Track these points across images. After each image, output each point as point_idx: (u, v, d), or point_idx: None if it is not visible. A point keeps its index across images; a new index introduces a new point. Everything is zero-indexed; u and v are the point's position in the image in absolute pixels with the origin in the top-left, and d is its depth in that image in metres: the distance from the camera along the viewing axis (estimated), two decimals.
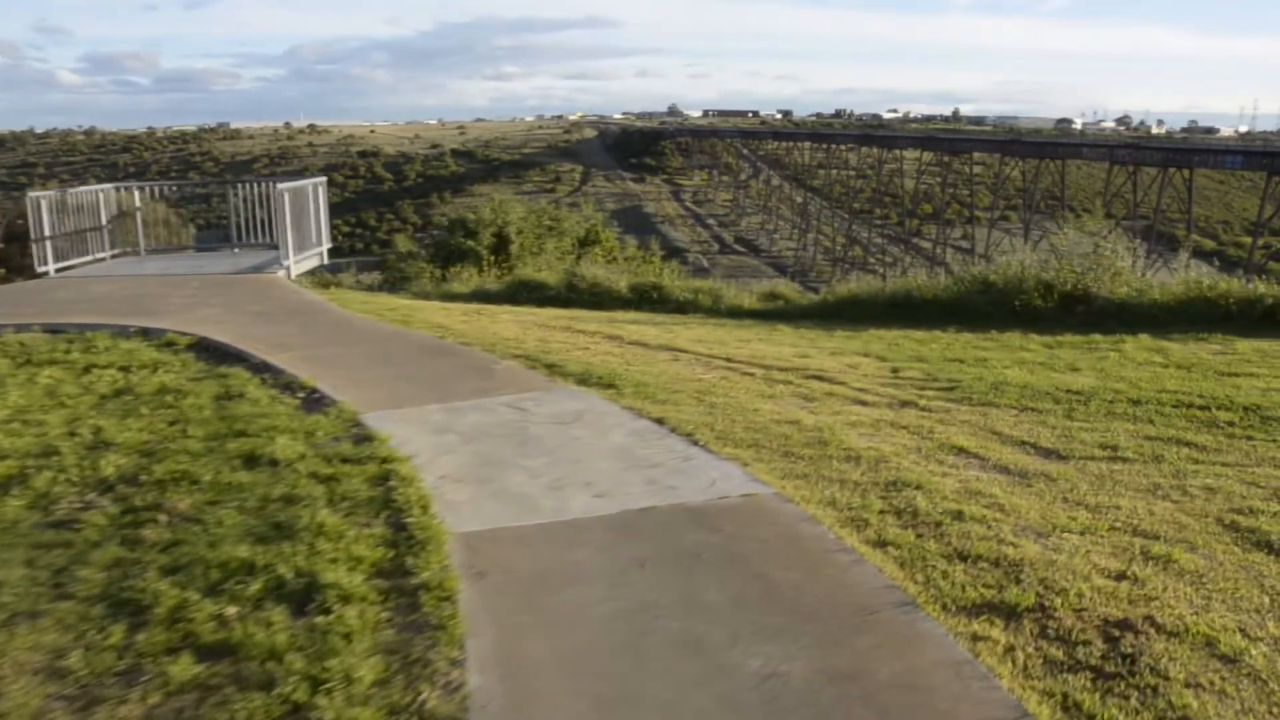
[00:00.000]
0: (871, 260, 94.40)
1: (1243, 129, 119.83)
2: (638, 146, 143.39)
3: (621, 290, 14.54)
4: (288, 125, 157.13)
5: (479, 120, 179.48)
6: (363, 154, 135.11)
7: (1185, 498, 5.70)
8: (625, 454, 6.35)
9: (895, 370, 9.31)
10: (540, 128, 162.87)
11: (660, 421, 7.06)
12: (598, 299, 14.58)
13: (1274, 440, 6.83)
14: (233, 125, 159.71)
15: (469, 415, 7.40)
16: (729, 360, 9.72)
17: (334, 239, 17.24)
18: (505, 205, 21.51)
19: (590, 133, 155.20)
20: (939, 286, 12.88)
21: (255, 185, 17.00)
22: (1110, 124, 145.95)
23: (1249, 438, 6.95)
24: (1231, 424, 7.30)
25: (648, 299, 14.33)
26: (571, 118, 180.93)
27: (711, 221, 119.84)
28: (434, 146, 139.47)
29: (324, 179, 17.34)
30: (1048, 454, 6.54)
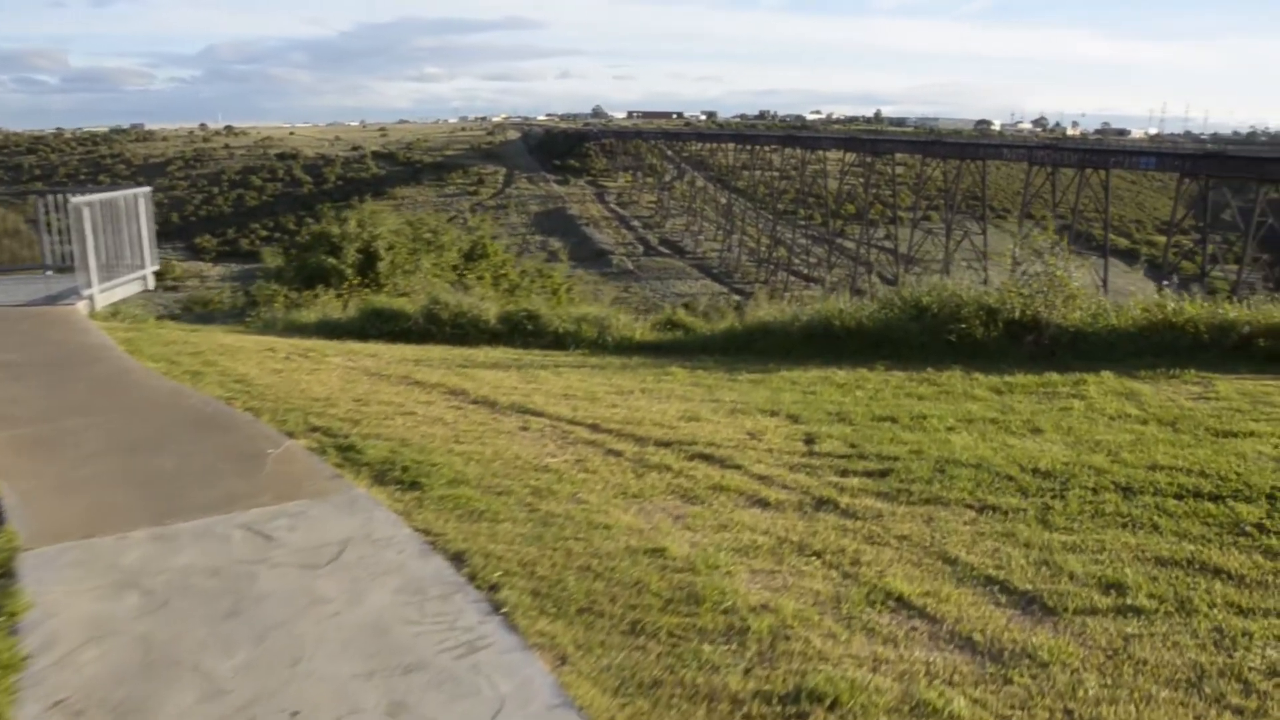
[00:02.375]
0: (796, 261, 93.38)
1: (1152, 131, 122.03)
2: (562, 148, 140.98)
3: (489, 321, 12.19)
4: (204, 127, 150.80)
5: (402, 122, 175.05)
6: (281, 156, 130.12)
7: (1251, 695, 3.60)
8: (379, 639, 4.03)
9: (810, 439, 7.14)
10: (463, 129, 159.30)
11: (459, 560, 4.77)
12: (461, 332, 12.21)
13: None
14: (147, 127, 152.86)
15: (183, 551, 5.01)
16: (595, 428, 7.45)
17: (251, 243, 14.50)
18: (375, 216, 18.90)
19: (514, 134, 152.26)
20: (863, 313, 10.84)
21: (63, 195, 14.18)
22: (1028, 125, 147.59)
23: None
24: (1262, 527, 5.28)
25: (521, 331, 12.02)
26: (495, 119, 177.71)
27: (636, 223, 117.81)
28: (355, 149, 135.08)
29: (148, 190, 14.66)
30: (1027, 604, 4.40)
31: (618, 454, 6.78)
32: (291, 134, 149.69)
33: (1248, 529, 5.28)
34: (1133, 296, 10.75)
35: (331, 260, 17.17)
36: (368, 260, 17.43)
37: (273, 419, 7.55)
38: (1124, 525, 5.32)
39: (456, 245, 19.50)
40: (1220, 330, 9.93)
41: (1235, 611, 4.33)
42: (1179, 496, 5.75)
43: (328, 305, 14.98)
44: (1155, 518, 5.42)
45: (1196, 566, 4.78)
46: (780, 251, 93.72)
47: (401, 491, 5.85)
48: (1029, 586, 4.53)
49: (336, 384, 9.04)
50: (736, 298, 70.44)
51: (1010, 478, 6.06)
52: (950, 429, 7.35)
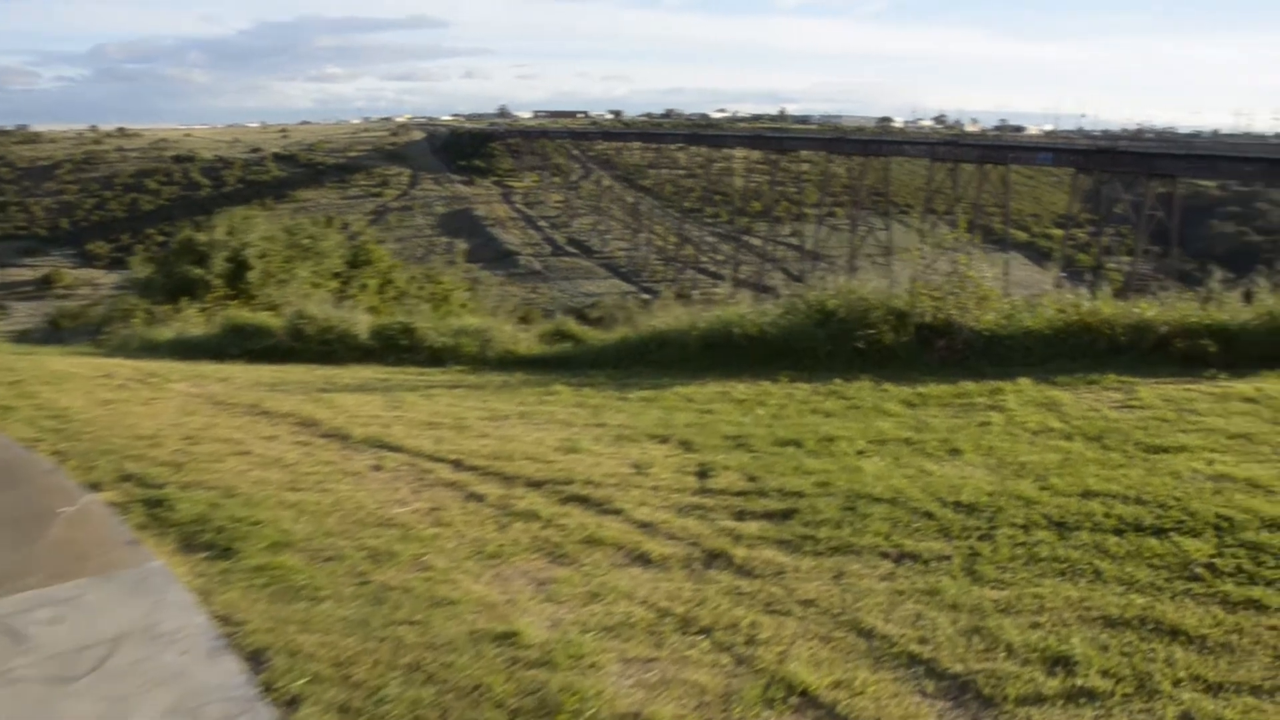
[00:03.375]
0: (704, 259, 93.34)
1: (1047, 127, 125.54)
2: (467, 148, 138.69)
3: (361, 337, 11.04)
4: (94, 128, 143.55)
5: (303, 123, 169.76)
6: (178, 159, 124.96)
7: None
8: None
9: (704, 471, 6.26)
10: (367, 130, 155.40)
11: (258, 659, 3.76)
12: (329, 349, 11.05)
13: None
14: (32, 128, 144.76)
15: None
16: (458, 464, 6.46)
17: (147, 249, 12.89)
18: (246, 222, 17.44)
19: (418, 135, 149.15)
20: (765, 319, 10.05)
21: None
22: (928, 122, 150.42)
23: (1254, 604, 4.22)
24: (1214, 568, 4.59)
25: (395, 347, 10.92)
26: (399, 120, 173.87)
27: (543, 223, 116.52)
28: (255, 150, 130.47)
29: None
30: (960, 692, 3.58)
31: (479, 499, 5.80)
32: (188, 135, 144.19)
33: (1199, 571, 4.58)
34: (1045, 297, 10.21)
35: (198, 270, 15.71)
36: (238, 270, 16.01)
37: (80, 465, 6.37)
38: (1062, 573, 4.56)
39: (338, 251, 18.15)
40: (1137, 331, 9.41)
41: (1203, 688, 3.58)
42: (1118, 531, 5.03)
43: (189, 321, 13.59)
44: (1096, 560, 4.68)
45: (1150, 627, 4.03)
46: (688, 250, 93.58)
47: (210, 561, 4.78)
48: (960, 667, 3.71)
49: (170, 417, 7.84)
50: (646, 296, 69.86)
51: (930, 515, 5.27)
52: (861, 453, 6.55)
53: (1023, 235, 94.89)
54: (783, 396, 8.46)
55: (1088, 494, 5.58)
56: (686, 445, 6.89)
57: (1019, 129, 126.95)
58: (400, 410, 8.16)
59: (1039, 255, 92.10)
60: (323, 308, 11.36)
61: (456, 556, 4.84)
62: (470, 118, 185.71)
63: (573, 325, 11.42)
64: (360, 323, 11.15)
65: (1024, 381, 8.53)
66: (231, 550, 4.86)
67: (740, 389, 8.80)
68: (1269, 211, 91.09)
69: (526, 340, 11.06)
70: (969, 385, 8.45)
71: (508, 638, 3.91)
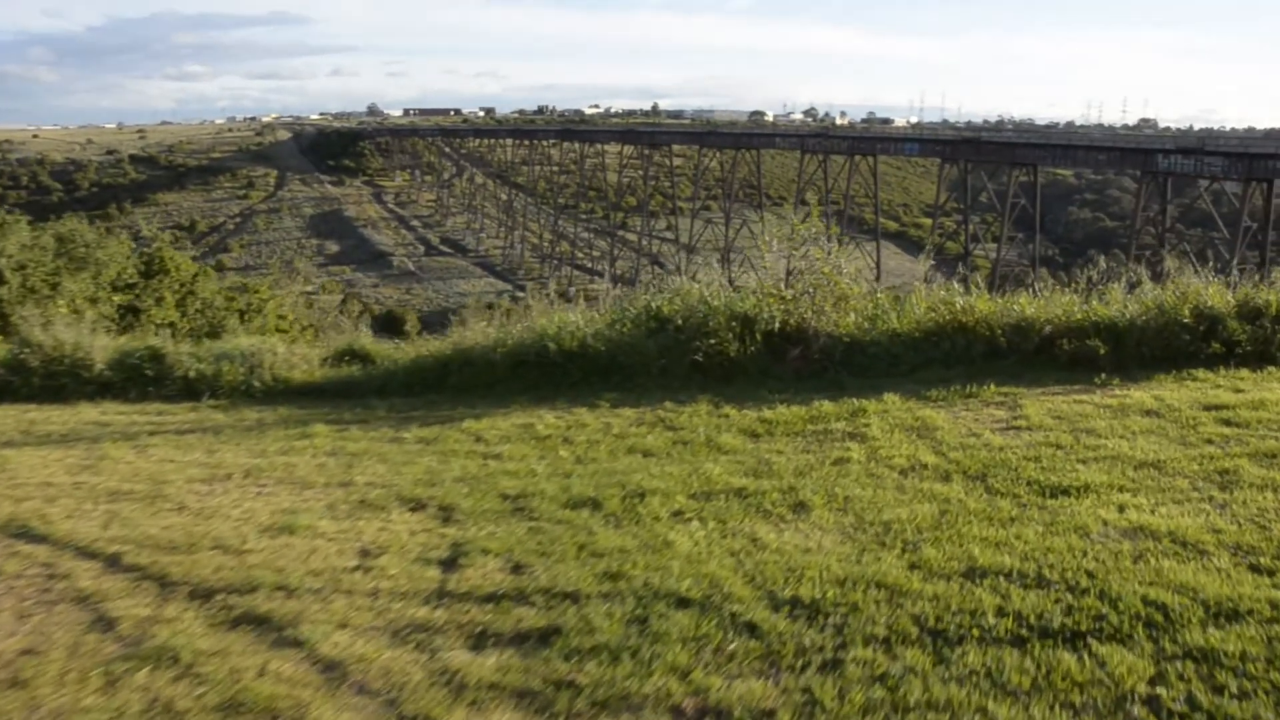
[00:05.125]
0: (580, 255, 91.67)
1: (913, 119, 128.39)
2: (336, 148, 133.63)
3: (96, 366, 8.83)
4: None
5: (164, 123, 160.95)
6: (24, 161, 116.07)
7: None
8: None
9: (455, 557, 4.47)
10: (230, 131, 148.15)
11: None
12: (56, 384, 8.79)
13: None
14: None
15: None
16: (114, 562, 4.52)
17: None
18: (3, 229, 14.74)
19: (285, 135, 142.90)
20: (590, 328, 8.32)
21: None
22: (799, 115, 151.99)
23: None
24: (1156, 703, 3.08)
25: (140, 378, 8.75)
26: (265, 119, 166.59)
27: (416, 223, 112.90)
28: (110, 152, 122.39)
29: None
30: None
31: (108, 626, 3.88)
32: (35, 137, 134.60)
33: (1138, 714, 3.04)
34: (914, 294, 8.80)
35: None
36: None
37: None
38: None
39: (123, 261, 15.53)
40: (1019, 332, 8.05)
41: None
42: (1018, 642, 3.48)
43: None
44: (991, 705, 3.09)
45: None
46: (563, 246, 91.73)
47: None
48: None
49: None
50: (520, 294, 67.61)
51: (753, 628, 3.61)
52: (677, 515, 4.88)
53: (894, 225, 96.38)
54: (598, 429, 6.73)
55: (973, 573, 4.03)
56: (447, 513, 5.09)
57: (887, 121, 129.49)
58: (89, 473, 6.10)
59: (910, 244, 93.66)
60: (53, 331, 9.09)
61: None
62: (339, 116, 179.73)
63: (366, 342, 9.46)
64: (95, 349, 8.92)
65: (891, 398, 7.03)
66: None
67: (548, 420, 7.04)
68: (1121, 198, 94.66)
69: (307, 363, 9.07)
70: (825, 405, 6.89)
71: None
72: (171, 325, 15.58)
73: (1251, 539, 4.38)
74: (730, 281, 8.95)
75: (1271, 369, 7.81)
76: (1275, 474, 5.28)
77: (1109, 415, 6.50)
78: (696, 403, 7.24)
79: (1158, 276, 9.00)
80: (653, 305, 8.43)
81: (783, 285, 8.39)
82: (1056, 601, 3.75)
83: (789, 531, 4.61)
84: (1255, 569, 4.07)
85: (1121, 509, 4.80)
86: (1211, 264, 8.99)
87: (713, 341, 7.94)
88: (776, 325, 7.97)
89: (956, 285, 8.62)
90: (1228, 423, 6.25)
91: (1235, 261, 32.75)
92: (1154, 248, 41.70)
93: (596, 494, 5.21)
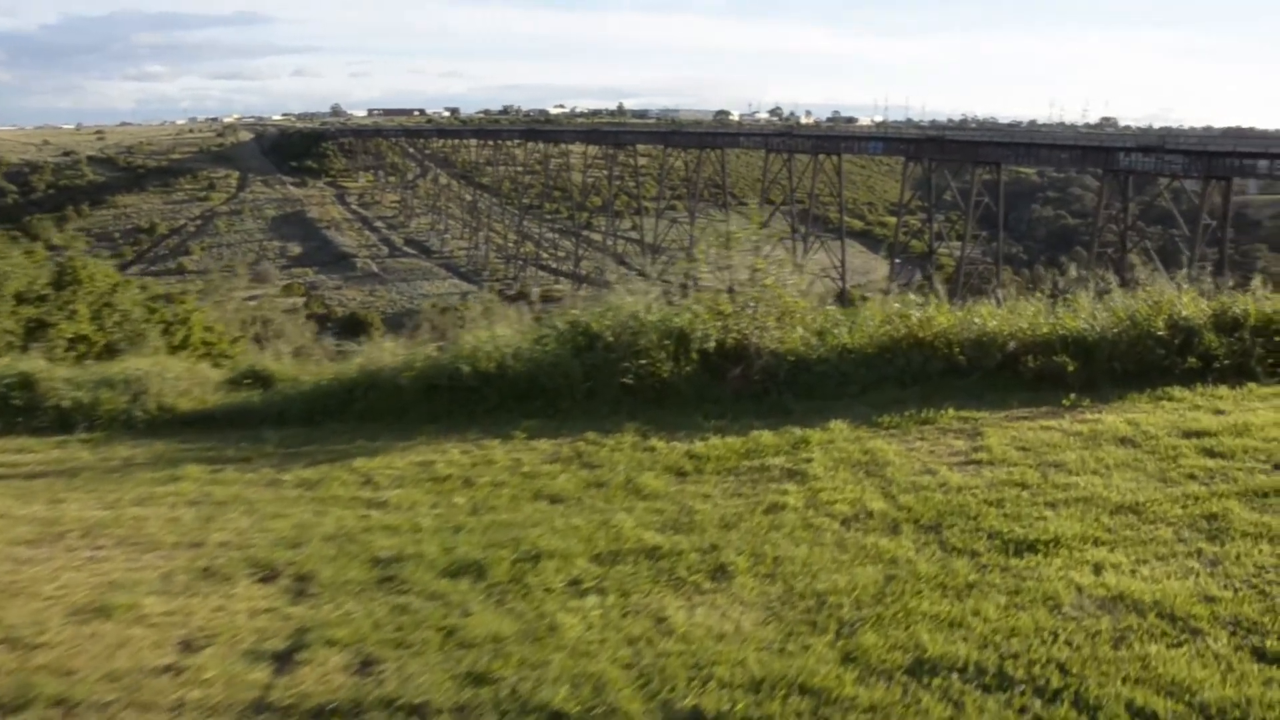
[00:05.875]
0: (545, 256, 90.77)
1: (878, 119, 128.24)
2: (298, 149, 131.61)
3: None
4: None
5: (123, 124, 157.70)
6: None
7: None
8: None
9: (293, 649, 3.64)
10: (191, 131, 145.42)
11: None
12: None
13: None
14: None
15: None
16: None
17: None
18: None
19: (246, 136, 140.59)
20: (511, 347, 7.50)
21: None
22: (764, 115, 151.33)
23: None
24: None
25: (6, 407, 7.81)
26: (227, 120, 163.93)
27: (380, 224, 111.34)
28: (68, 153, 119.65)
29: None
30: None
31: None
32: None
33: None
34: (870, 304, 8.05)
35: None
36: None
37: None
38: None
39: (27, 273, 14.41)
40: (980, 347, 7.32)
41: None
42: None
43: None
44: None
45: None
46: (528, 247, 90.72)
47: None
48: None
49: None
50: (489, 295, 66.46)
51: None
52: (573, 586, 4.09)
53: (859, 224, 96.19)
54: (505, 467, 5.92)
55: (921, 668, 3.28)
56: (302, 585, 4.26)
57: (852, 120, 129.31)
58: None
59: (875, 242, 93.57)
60: None
61: None
62: (302, 117, 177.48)
63: (270, 363, 8.58)
64: None
65: (838, 426, 6.27)
66: None
67: (452, 455, 6.22)
68: (1083, 196, 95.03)
69: (202, 387, 8.18)
70: (764, 436, 6.12)
71: None
72: (84, 340, 14.58)
73: (1252, 611, 3.67)
74: (695, 283, 8.14)
75: (1252, 385, 7.14)
76: (1269, 518, 4.58)
77: (1079, 445, 5.78)
78: (622, 432, 6.45)
79: (1121, 273, 8.35)
80: (580, 321, 7.62)
81: (723, 297, 7.60)
82: (1022, 712, 3.00)
83: (703, 608, 3.83)
84: (1260, 655, 3.36)
85: (1097, 569, 4.07)
86: (1186, 271, 8.31)
87: (644, 361, 7.15)
88: (712, 343, 7.18)
89: (913, 296, 7.89)
90: (1211, 453, 5.56)
91: (1195, 258, 32.63)
92: (1116, 245, 41.69)
93: (484, 557, 4.40)
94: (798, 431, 6.17)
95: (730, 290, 7.66)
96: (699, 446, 6.01)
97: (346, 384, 7.61)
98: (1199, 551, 4.25)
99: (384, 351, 7.93)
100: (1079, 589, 3.89)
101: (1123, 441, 5.83)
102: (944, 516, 4.70)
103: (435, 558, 4.45)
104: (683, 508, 5.01)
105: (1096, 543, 4.34)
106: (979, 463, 5.55)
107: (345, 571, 4.36)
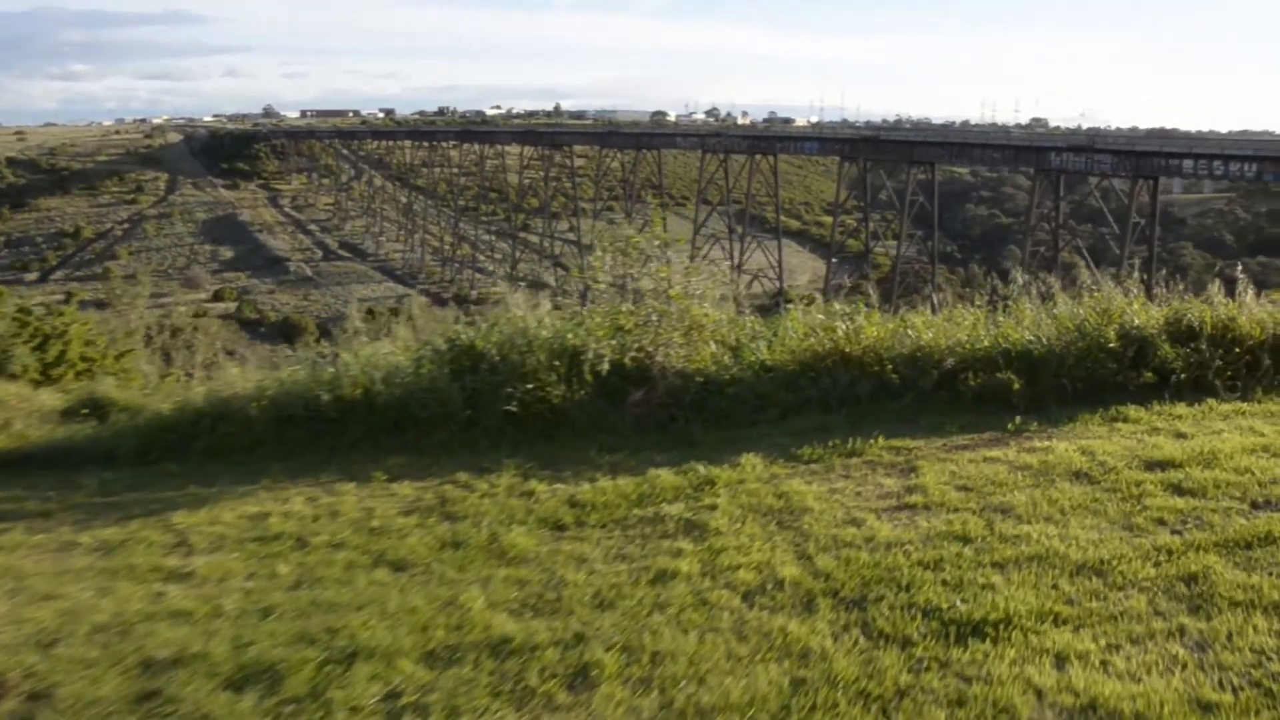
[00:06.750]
0: (481, 258, 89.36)
1: (814, 119, 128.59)
2: (230, 151, 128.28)
3: None
4: None
5: (48, 125, 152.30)
6: None
7: None
8: None
9: None
10: (118, 133, 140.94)
11: None
12: None
13: None
14: None
15: None
16: None
17: None
18: None
19: (175, 137, 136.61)
20: (382, 369, 6.47)
21: None
22: (701, 115, 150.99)
23: None
24: None
25: None
26: (156, 121, 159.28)
27: (314, 227, 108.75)
28: None
29: None
30: None
31: None
32: None
33: None
34: (791, 314, 7.17)
35: None
36: None
37: None
38: None
39: None
40: (914, 364, 6.47)
41: None
42: None
43: None
44: None
45: None
46: (464, 249, 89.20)
47: None
48: None
49: None
50: (424, 299, 64.86)
51: None
52: (387, 703, 3.10)
53: (795, 224, 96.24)
54: (352, 521, 4.89)
55: None
56: (30, 709, 3.21)
57: (788, 120, 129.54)
58: None
59: (812, 242, 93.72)
60: None
61: None
62: (233, 118, 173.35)
63: (110, 387, 7.46)
64: None
65: (750, 461, 5.37)
66: None
67: (294, 506, 5.18)
68: (1016, 195, 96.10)
69: (28, 419, 7.02)
70: (663, 477, 5.18)
71: None
72: None
73: None
74: (588, 295, 7.18)
75: (1211, 402, 6.42)
76: (1258, 579, 3.78)
77: (1029, 481, 4.95)
78: (500, 471, 5.47)
79: (1051, 269, 7.59)
80: (461, 338, 6.61)
81: (624, 310, 6.65)
82: None
83: None
84: None
85: (1060, 662, 3.21)
86: (1138, 276, 7.58)
87: (531, 385, 6.16)
88: (606, 364, 6.22)
89: (838, 305, 7.02)
90: (1179, 490, 4.77)
91: (1125, 255, 32.64)
92: (1049, 244, 41.76)
93: (284, 658, 3.39)
94: (702, 469, 5.25)
95: (633, 302, 6.71)
96: (584, 491, 5.05)
97: (190, 415, 6.51)
98: (1181, 630, 3.42)
99: (235, 376, 6.82)
100: (1039, 695, 3.02)
101: (1078, 476, 5.01)
102: (870, 586, 3.81)
103: (222, 659, 3.43)
104: (551, 578, 4.04)
105: (1057, 621, 3.49)
106: (913, 508, 4.68)
107: (98, 685, 3.32)
